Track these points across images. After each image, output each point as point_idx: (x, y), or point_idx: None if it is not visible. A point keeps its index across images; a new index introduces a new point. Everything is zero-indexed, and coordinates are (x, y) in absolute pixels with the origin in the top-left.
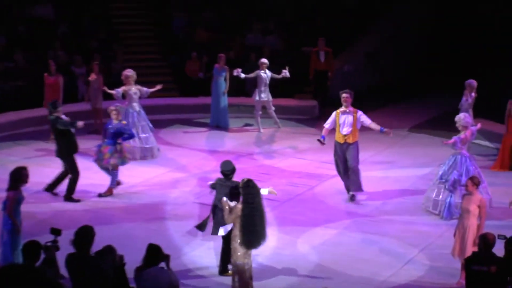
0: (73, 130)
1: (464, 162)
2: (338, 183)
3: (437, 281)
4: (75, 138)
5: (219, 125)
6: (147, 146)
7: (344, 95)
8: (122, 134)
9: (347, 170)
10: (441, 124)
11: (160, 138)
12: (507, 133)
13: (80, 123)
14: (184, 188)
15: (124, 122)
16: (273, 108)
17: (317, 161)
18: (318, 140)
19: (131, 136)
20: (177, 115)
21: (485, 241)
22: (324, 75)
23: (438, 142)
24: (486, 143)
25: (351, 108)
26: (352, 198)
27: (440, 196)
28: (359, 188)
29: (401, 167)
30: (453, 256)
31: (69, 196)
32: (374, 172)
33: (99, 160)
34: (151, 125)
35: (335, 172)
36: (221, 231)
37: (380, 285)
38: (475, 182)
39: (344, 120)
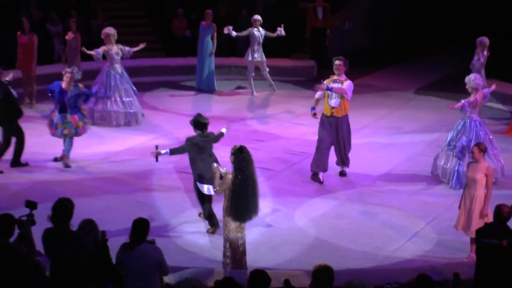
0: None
1: (474, 127)
2: None
3: (446, 255)
4: (17, 103)
5: (202, 89)
6: (131, 111)
7: (336, 62)
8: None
9: (329, 146)
10: (451, 85)
11: (144, 102)
12: None
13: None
14: (170, 157)
15: (80, 85)
16: (267, 69)
17: (316, 126)
18: (314, 114)
19: (91, 95)
20: (163, 77)
21: (499, 213)
22: (322, 33)
23: (446, 106)
24: (499, 106)
25: (343, 77)
26: (343, 174)
27: (449, 164)
28: (347, 162)
29: (406, 133)
30: (457, 229)
31: (15, 160)
32: (377, 138)
33: (52, 129)
34: (134, 88)
35: None
36: (205, 188)
37: (383, 260)
38: (482, 148)
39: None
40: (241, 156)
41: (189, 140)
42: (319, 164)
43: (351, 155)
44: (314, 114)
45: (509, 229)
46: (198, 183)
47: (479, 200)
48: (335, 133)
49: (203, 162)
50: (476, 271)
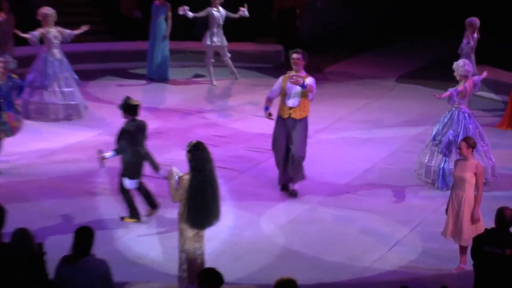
0: None
1: (462, 119)
2: (310, 146)
3: (432, 266)
4: None
5: (153, 78)
6: (72, 103)
7: (294, 55)
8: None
9: (287, 155)
10: (436, 72)
11: (87, 93)
12: None
13: None
14: (117, 156)
15: (14, 76)
16: (229, 55)
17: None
18: (268, 114)
19: (25, 85)
20: (109, 65)
21: (501, 217)
22: (292, 14)
23: (431, 95)
24: (491, 95)
25: (303, 73)
26: (294, 194)
27: (433, 161)
28: (302, 177)
29: (387, 126)
30: (445, 236)
31: None
32: (354, 133)
33: None
34: (76, 76)
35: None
36: (127, 183)
37: (362, 272)
38: (470, 144)
39: (292, 88)
40: (197, 153)
41: (124, 130)
42: (281, 178)
43: (322, 151)
44: (270, 115)
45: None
46: (121, 176)
47: (469, 203)
48: (290, 139)
49: (132, 153)
50: (475, 284)
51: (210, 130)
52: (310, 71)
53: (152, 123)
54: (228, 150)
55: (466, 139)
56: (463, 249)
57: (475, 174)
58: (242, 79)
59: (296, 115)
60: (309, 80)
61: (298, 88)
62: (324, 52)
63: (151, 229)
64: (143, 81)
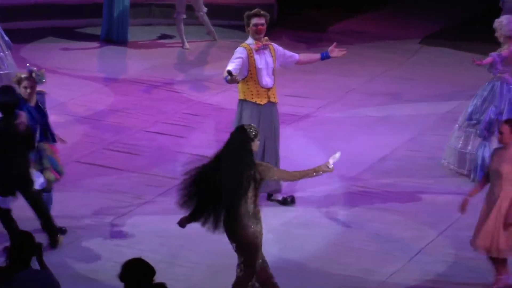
0: None
1: (506, 93)
2: (309, 127)
3: (467, 280)
4: None
5: (113, 38)
6: (1, 72)
7: (256, 21)
8: None
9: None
10: (471, 32)
11: (22, 59)
12: None
13: None
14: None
15: (43, 91)
16: (205, 10)
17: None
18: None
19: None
20: (51, 22)
21: None
22: None
23: (467, 61)
24: None
25: (266, 41)
26: (288, 201)
27: (469, 147)
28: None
29: (410, 101)
30: (474, 247)
31: None
32: (367, 110)
33: None
34: (6, 38)
35: (304, 111)
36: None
37: None
38: None
39: (263, 62)
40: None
41: None
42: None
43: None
44: (230, 73)
45: None
46: None
47: (506, 204)
48: (267, 132)
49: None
50: None
51: (182, 107)
52: (311, 30)
53: (107, 98)
54: (205, 132)
55: (510, 121)
56: (502, 260)
57: None
58: (223, 40)
59: (275, 97)
60: (276, 48)
61: (270, 63)
62: (330, 5)
63: (105, 235)
64: (96, 44)
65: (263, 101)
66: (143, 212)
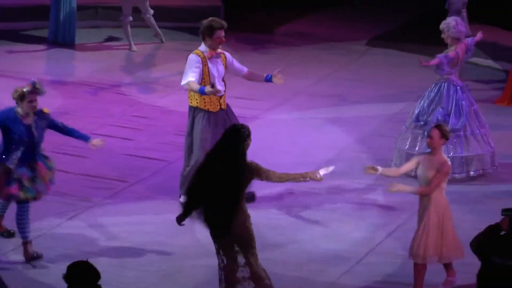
0: None
1: (453, 94)
2: (257, 129)
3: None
4: None
5: (60, 40)
6: None
7: (222, 33)
8: None
9: None
10: (417, 33)
11: None
12: None
13: None
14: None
15: (46, 111)
16: (152, 12)
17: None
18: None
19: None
20: None
21: None
22: None
23: (413, 62)
24: (489, 62)
25: (219, 50)
26: (252, 198)
27: (417, 148)
28: None
29: (357, 103)
30: (411, 257)
31: None
32: (315, 111)
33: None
34: None
35: (252, 113)
36: None
37: None
38: (444, 132)
39: (215, 70)
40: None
41: None
42: None
43: (274, 136)
44: (213, 86)
45: None
46: None
47: (436, 210)
48: None
49: None
50: None
51: (129, 109)
52: (258, 31)
53: (54, 101)
54: (154, 135)
55: (440, 126)
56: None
57: (437, 170)
58: (170, 42)
59: (225, 104)
60: (228, 57)
61: (221, 70)
62: (277, 7)
63: (53, 239)
64: (43, 46)
65: (215, 108)
66: (91, 215)
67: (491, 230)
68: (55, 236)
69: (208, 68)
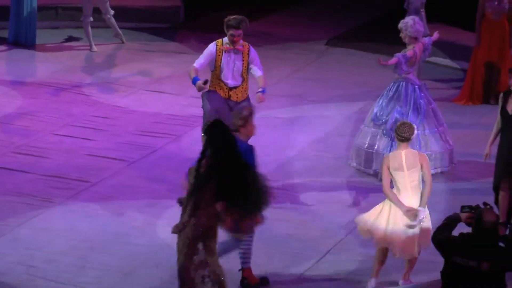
0: None
1: (411, 92)
2: None
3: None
4: None
5: (20, 41)
6: None
7: (233, 32)
8: None
9: None
10: (376, 33)
11: None
12: (479, 46)
13: None
14: None
15: None
16: (112, 12)
17: (184, 95)
18: (204, 82)
19: None
20: None
21: (480, 222)
22: None
23: (372, 62)
24: (447, 61)
25: (241, 46)
26: None
27: (376, 147)
28: None
29: (317, 102)
30: (377, 243)
31: None
32: (276, 111)
33: None
34: None
35: None
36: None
37: (289, 285)
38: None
39: (229, 64)
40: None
41: None
42: None
43: None
44: (206, 82)
45: (496, 247)
46: None
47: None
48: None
49: None
50: None
51: (90, 110)
52: (218, 31)
53: (15, 102)
54: (114, 135)
55: (403, 124)
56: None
57: (421, 165)
58: (130, 43)
59: (238, 97)
60: (253, 55)
61: (238, 66)
62: (237, 7)
63: (14, 239)
64: (3, 47)
65: (225, 95)
66: (52, 215)
67: (449, 221)
68: (17, 236)
69: (221, 59)
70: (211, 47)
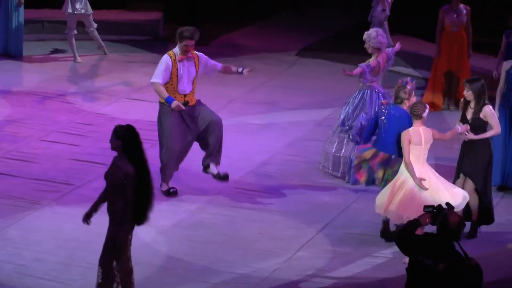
0: None
1: (375, 100)
2: None
3: (344, 273)
4: None
5: (9, 53)
6: None
7: (188, 43)
8: None
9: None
10: (343, 44)
11: None
12: (439, 56)
13: None
14: None
15: None
16: (95, 26)
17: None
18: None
19: None
20: None
21: (443, 224)
22: None
23: (339, 71)
24: (410, 70)
25: (191, 54)
26: (226, 177)
27: (343, 151)
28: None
29: (288, 109)
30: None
31: None
32: (249, 118)
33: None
34: None
35: None
36: None
37: (260, 284)
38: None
39: (185, 72)
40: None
41: None
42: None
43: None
44: (186, 103)
45: (453, 249)
46: None
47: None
48: (198, 123)
49: None
50: None
51: (75, 117)
52: (195, 44)
53: (4, 110)
54: (98, 141)
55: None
56: None
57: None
58: (112, 54)
59: (193, 101)
60: (203, 58)
61: (192, 72)
62: (212, 20)
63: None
64: None
65: (182, 102)
66: (40, 216)
67: (410, 226)
68: (6, 236)
69: (177, 69)
70: (167, 60)
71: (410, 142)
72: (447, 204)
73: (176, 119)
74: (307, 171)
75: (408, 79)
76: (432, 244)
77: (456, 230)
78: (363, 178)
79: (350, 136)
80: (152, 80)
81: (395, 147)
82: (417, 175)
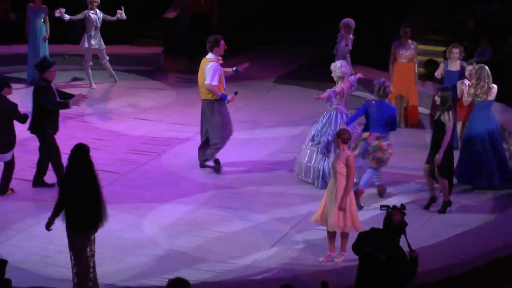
0: None
1: (340, 120)
2: (190, 148)
3: (313, 262)
4: None
5: (34, 82)
6: None
7: (223, 42)
8: None
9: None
10: (314, 73)
11: None
12: (391, 83)
13: None
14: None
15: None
16: (107, 58)
17: (164, 122)
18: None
19: None
20: None
21: (388, 221)
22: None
23: (310, 95)
24: (367, 95)
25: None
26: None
27: (313, 161)
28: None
29: (267, 127)
30: (316, 221)
31: None
32: (236, 133)
33: None
34: None
35: (185, 135)
36: None
37: (244, 271)
38: (344, 137)
39: (223, 73)
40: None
41: None
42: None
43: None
44: (236, 93)
45: (396, 243)
46: None
47: (339, 190)
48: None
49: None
50: (356, 280)
51: (90, 134)
52: (188, 73)
53: None
54: (109, 153)
55: (339, 133)
56: (331, 236)
57: (346, 165)
58: (121, 81)
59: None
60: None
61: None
62: (204, 53)
63: (34, 235)
64: (20, 85)
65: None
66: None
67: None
68: (34, 233)
69: (222, 72)
70: (216, 65)
71: None
72: (402, 205)
73: (227, 109)
74: (284, 177)
75: (382, 78)
76: (378, 237)
77: (398, 228)
78: (357, 151)
79: (319, 149)
80: (211, 83)
81: (386, 128)
82: None
